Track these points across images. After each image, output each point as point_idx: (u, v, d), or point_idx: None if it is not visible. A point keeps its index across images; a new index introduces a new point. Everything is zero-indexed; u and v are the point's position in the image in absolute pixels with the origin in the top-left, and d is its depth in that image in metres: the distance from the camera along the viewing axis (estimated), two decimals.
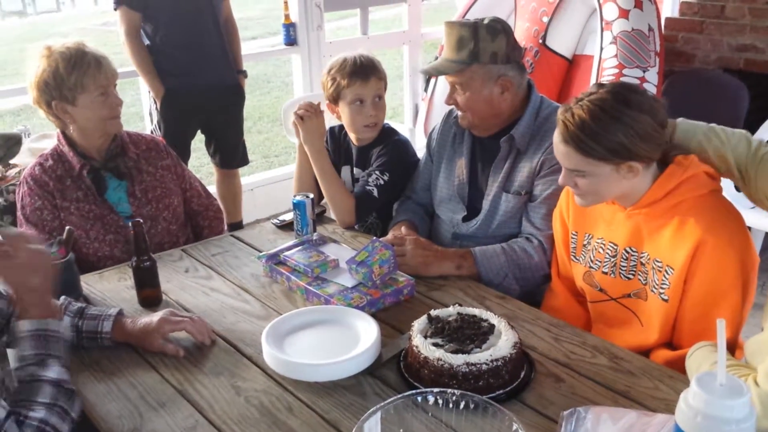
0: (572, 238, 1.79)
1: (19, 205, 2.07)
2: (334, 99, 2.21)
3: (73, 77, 1.93)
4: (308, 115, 2.16)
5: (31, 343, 1.31)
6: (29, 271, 1.34)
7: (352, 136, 2.31)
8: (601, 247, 1.70)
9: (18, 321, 1.33)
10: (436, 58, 4.34)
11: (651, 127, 1.50)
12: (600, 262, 1.70)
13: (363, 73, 2.15)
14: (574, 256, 1.79)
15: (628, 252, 1.64)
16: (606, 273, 1.69)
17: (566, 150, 1.55)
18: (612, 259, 1.67)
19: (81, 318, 1.55)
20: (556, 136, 1.57)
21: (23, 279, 1.33)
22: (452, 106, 2.07)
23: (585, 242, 1.75)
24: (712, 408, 0.93)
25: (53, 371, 1.28)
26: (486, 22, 1.91)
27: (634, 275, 1.64)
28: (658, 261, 1.57)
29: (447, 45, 1.93)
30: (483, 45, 1.89)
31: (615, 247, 1.67)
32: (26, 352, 1.30)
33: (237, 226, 3.83)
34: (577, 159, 1.54)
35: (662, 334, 1.60)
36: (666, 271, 1.55)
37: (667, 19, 4.28)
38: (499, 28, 1.91)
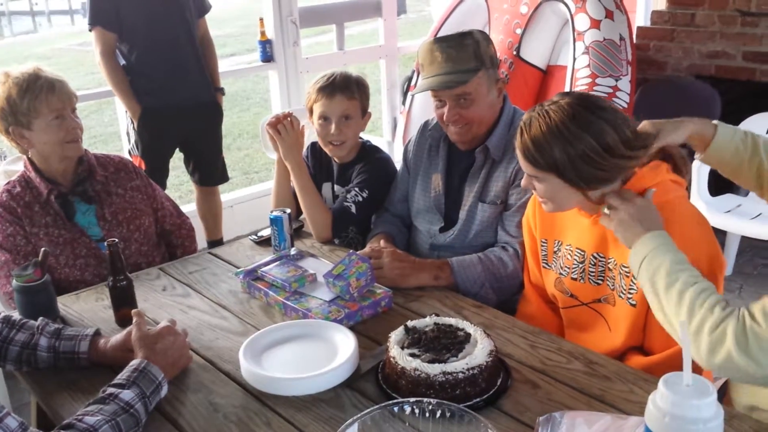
0: (542, 245, 1.80)
1: None
2: (310, 112, 2.24)
3: (25, 102, 1.94)
4: (284, 129, 2.18)
5: (129, 371, 1.38)
6: (180, 349, 1.52)
7: (328, 152, 2.32)
8: (569, 254, 1.71)
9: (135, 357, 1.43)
10: (413, 73, 4.41)
11: (593, 150, 1.46)
12: (569, 268, 1.72)
13: (330, 89, 2.15)
14: (546, 263, 1.80)
15: (595, 258, 1.65)
16: (575, 279, 1.71)
17: (519, 155, 1.57)
18: (580, 265, 1.69)
19: (58, 339, 1.54)
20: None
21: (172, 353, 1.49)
22: (431, 118, 2.08)
23: (555, 249, 1.76)
24: (679, 408, 0.95)
25: (129, 395, 1.32)
26: (473, 30, 1.93)
27: (602, 281, 1.66)
28: (624, 267, 1.58)
29: (443, 58, 1.89)
30: (483, 50, 1.91)
31: (583, 253, 1.68)
32: (121, 376, 1.37)
33: (218, 243, 3.82)
34: (526, 165, 1.56)
35: (629, 337, 1.61)
36: (633, 276, 1.56)
37: (639, 28, 4.34)
38: (486, 35, 1.94)
